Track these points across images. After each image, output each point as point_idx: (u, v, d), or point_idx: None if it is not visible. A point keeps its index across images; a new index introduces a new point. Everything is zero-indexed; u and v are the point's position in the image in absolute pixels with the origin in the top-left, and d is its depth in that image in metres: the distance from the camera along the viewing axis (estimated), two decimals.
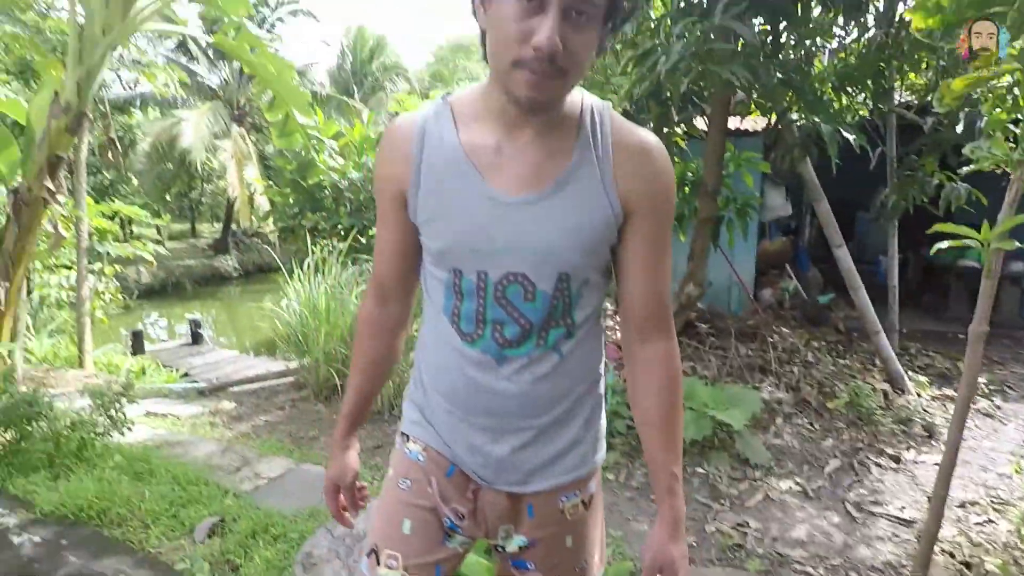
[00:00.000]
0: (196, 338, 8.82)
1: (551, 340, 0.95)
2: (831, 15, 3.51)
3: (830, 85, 3.87)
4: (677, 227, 4.47)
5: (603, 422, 1.08)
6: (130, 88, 14.92)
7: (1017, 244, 1.63)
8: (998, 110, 1.61)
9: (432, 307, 1.00)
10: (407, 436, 1.07)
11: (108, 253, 7.14)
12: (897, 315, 4.87)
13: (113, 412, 3.09)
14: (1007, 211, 1.55)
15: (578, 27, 0.80)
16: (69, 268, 6.82)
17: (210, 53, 16.74)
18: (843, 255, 4.17)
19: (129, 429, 3.17)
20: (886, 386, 3.96)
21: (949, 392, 4.14)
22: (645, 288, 0.96)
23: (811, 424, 3.53)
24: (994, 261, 1.62)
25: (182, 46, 16.60)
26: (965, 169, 1.71)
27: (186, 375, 7.02)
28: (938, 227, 1.59)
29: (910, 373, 4.33)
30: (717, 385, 3.70)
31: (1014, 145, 1.47)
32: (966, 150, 1.52)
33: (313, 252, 4.98)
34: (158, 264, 9.76)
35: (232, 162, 15.26)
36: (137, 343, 7.97)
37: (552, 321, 0.94)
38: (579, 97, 0.93)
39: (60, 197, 4.05)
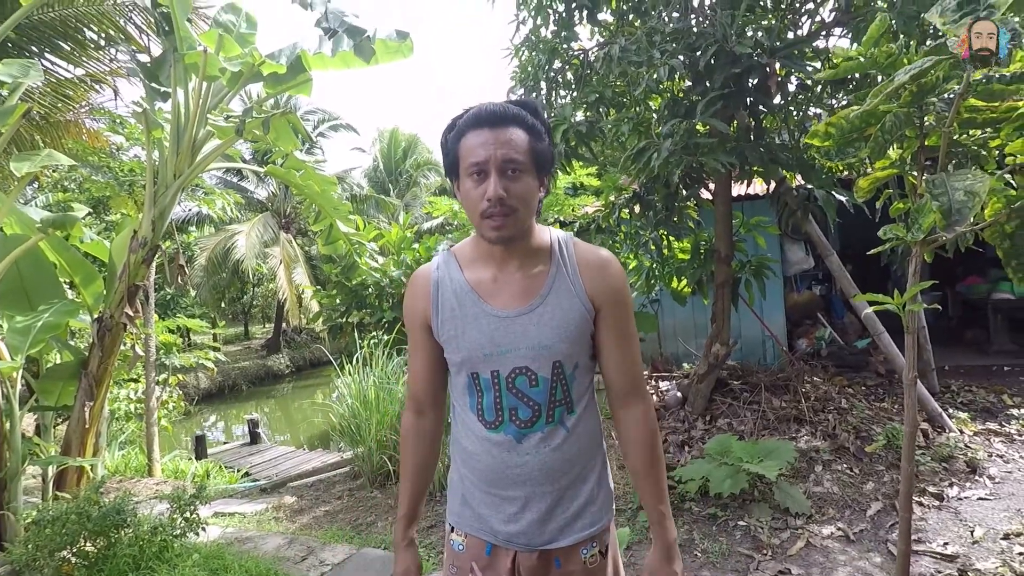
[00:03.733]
0: (254, 437, 9.24)
1: (557, 416, 1.21)
2: (819, 89, 3.80)
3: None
4: (699, 290, 4.71)
5: (611, 484, 1.32)
6: (188, 210, 16.20)
7: (925, 306, 1.84)
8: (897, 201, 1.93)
9: (460, 408, 1.28)
10: (451, 527, 1.33)
11: (173, 365, 7.67)
12: (931, 353, 4.89)
13: (188, 514, 3.39)
14: (912, 279, 1.80)
15: (514, 179, 1.13)
16: (136, 381, 7.34)
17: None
18: (860, 304, 4.29)
19: (203, 529, 3.45)
20: (925, 425, 3.98)
21: (993, 426, 4.11)
22: (618, 363, 1.23)
23: (851, 469, 3.57)
24: (910, 321, 1.82)
25: (233, 168, 18.05)
26: (875, 250, 1.95)
27: (247, 474, 7.36)
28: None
29: (951, 410, 4.32)
30: (752, 439, 3.80)
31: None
32: (880, 232, 1.77)
33: (361, 346, 5.36)
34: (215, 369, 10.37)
35: (281, 266, 16.26)
36: (200, 447, 8.39)
37: (555, 401, 1.20)
38: (548, 233, 1.26)
39: (137, 321, 4.53)
